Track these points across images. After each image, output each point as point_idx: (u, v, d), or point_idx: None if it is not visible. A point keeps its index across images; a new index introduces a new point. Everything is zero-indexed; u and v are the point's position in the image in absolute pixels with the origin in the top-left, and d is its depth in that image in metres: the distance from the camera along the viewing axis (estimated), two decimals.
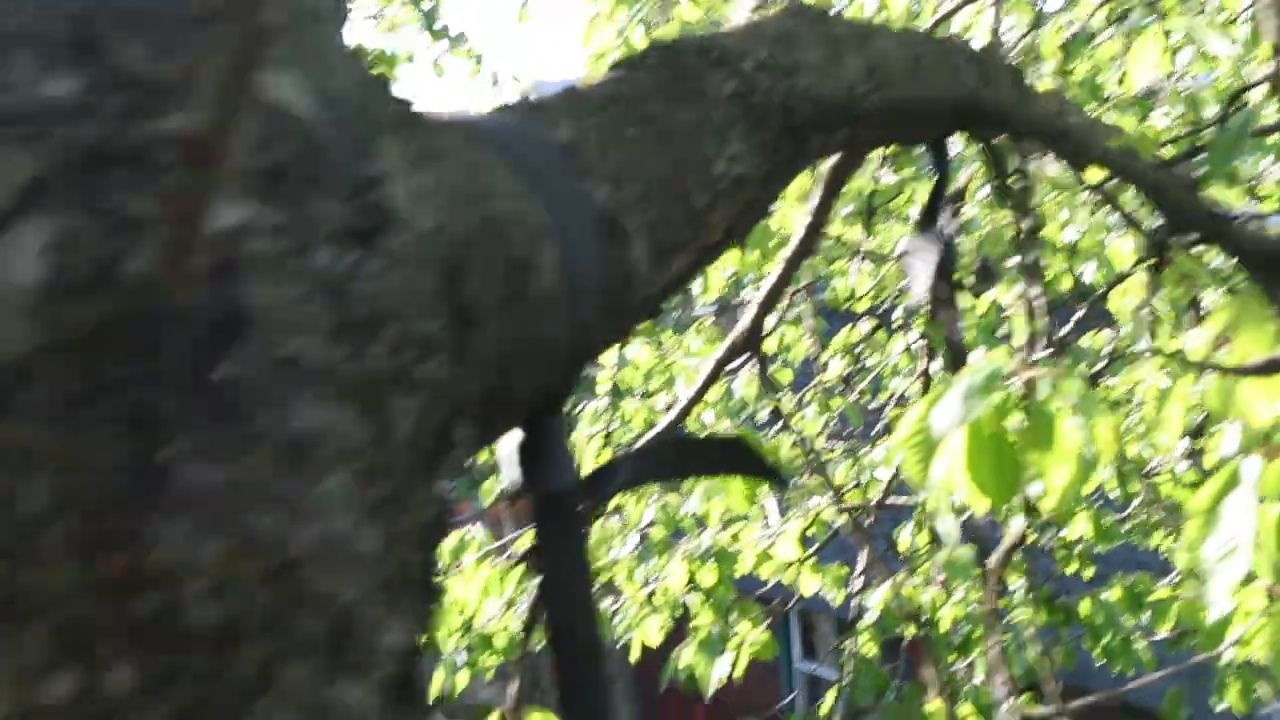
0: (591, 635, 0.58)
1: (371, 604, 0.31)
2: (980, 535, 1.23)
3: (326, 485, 0.31)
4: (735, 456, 0.65)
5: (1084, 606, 2.76)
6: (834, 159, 1.17)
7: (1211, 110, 2.18)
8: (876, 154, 2.20)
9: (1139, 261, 1.93)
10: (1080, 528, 2.71)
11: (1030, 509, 0.82)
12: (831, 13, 0.84)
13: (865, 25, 0.88)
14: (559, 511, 0.57)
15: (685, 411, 1.38)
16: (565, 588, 0.58)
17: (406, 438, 0.35)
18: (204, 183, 0.29)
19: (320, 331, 0.33)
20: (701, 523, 2.75)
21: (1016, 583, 2.32)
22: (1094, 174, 1.15)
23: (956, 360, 1.20)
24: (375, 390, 0.34)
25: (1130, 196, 1.95)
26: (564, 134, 0.56)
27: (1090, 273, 2.76)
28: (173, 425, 0.28)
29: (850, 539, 3.03)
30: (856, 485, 2.22)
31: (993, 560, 0.86)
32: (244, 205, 0.33)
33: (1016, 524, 0.90)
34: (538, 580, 0.59)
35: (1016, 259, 2.66)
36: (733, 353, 1.28)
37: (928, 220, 1.21)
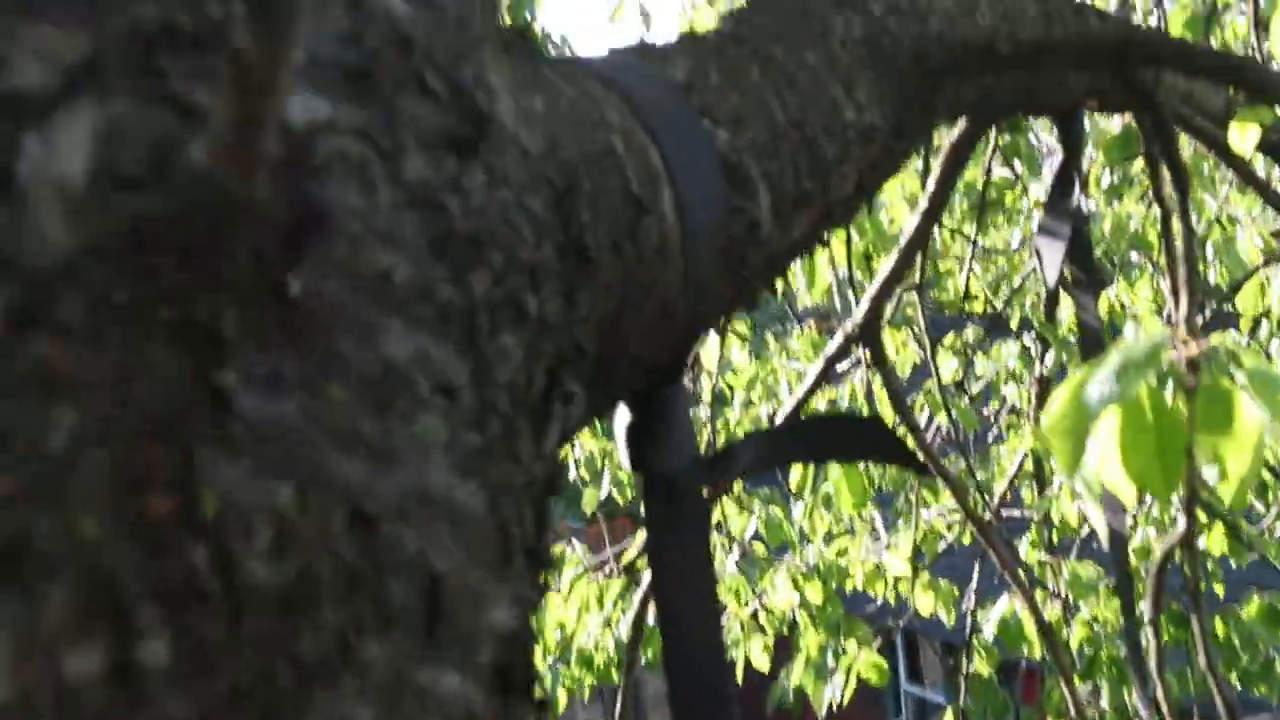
0: (712, 640, 0.52)
1: (472, 573, 0.25)
2: (1119, 539, 1.13)
3: (419, 427, 0.26)
4: (870, 438, 0.58)
5: (1218, 625, 2.58)
6: (956, 133, 1.09)
7: None
8: (988, 147, 2.10)
9: None
10: (1207, 541, 2.54)
11: (1194, 505, 0.73)
12: None
13: None
14: (674, 495, 0.51)
15: (796, 410, 1.31)
16: (681, 583, 0.52)
17: (511, 380, 0.29)
18: (275, 61, 0.24)
19: (414, 247, 0.27)
20: (806, 537, 2.65)
21: (1142, 598, 2.17)
22: (1239, 143, 1.05)
23: (1093, 346, 1.11)
24: (477, 320, 0.28)
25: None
26: (681, 72, 0.50)
27: (1211, 275, 2.60)
28: (235, 344, 0.23)
29: (956, 559, 2.89)
30: (977, 492, 2.11)
31: (1154, 559, 0.77)
32: (325, 100, 0.28)
33: (1178, 523, 0.80)
34: (649, 577, 0.52)
35: (1135, 254, 2.52)
36: (846, 346, 1.21)
37: (1057, 199, 1.13)
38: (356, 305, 0.25)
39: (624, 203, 0.41)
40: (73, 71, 0.25)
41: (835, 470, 1.81)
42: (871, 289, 1.18)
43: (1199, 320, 2.55)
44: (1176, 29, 1.96)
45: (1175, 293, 1.00)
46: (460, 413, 0.27)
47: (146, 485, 0.21)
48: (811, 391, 1.33)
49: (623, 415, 0.51)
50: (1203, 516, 2.31)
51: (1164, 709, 0.91)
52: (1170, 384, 0.71)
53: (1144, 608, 0.99)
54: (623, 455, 0.51)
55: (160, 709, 0.19)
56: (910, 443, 1.11)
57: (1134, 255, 2.40)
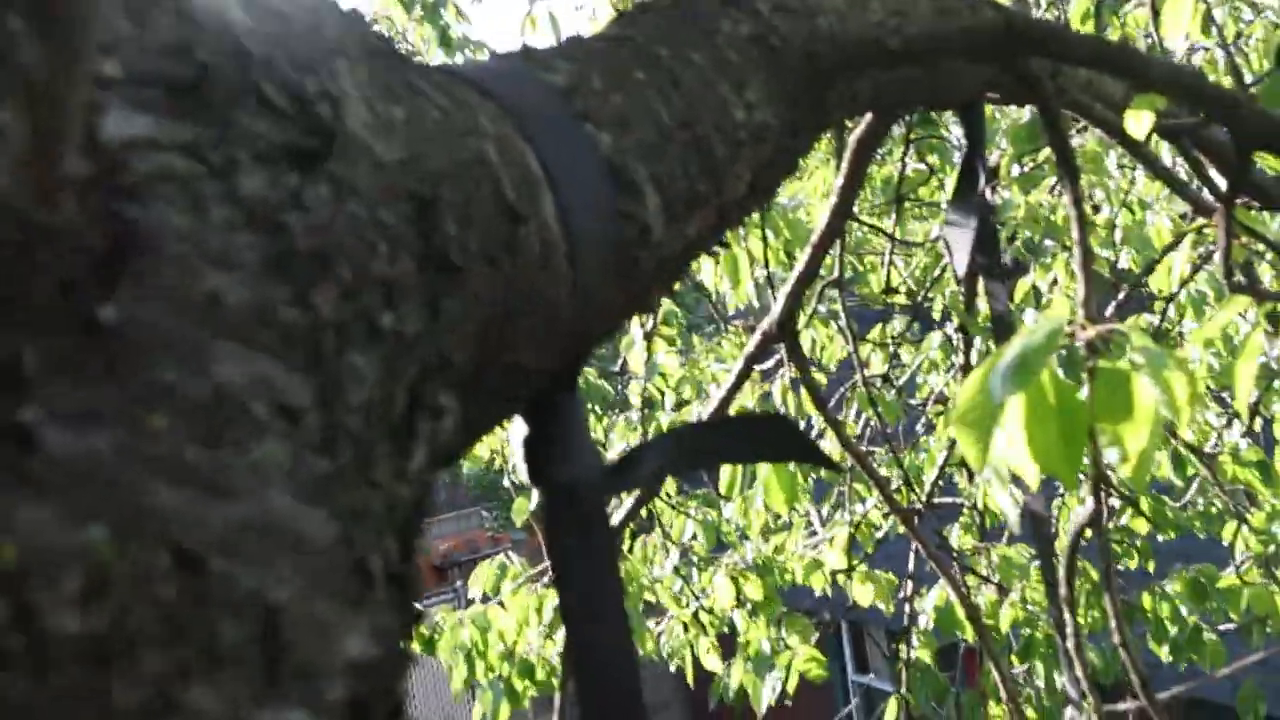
0: (621, 654, 0.51)
1: (319, 604, 0.24)
2: (1040, 521, 1.15)
3: (257, 454, 0.24)
4: (779, 438, 0.58)
5: (1145, 600, 2.64)
6: (860, 129, 1.10)
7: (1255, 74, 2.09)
8: (901, 140, 2.12)
9: (1194, 223, 1.84)
10: (1131, 518, 2.60)
11: (1101, 484, 0.74)
12: None
13: None
14: (574, 505, 0.50)
15: (719, 411, 1.30)
16: (586, 597, 0.51)
17: (366, 399, 0.28)
18: (66, 76, 0.22)
19: (250, 267, 0.26)
20: (744, 535, 2.66)
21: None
22: (1135, 129, 1.07)
23: (1004, 333, 1.13)
24: (323, 340, 0.27)
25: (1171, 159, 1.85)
26: (561, 77, 0.49)
27: (1124, 259, 2.67)
28: (38, 379, 0.21)
29: (895, 548, 2.92)
30: (904, 484, 2.13)
31: (1066, 539, 0.78)
32: (145, 115, 0.26)
33: (1086, 503, 0.82)
34: (555, 587, 0.51)
35: (1049, 242, 2.57)
36: (764, 345, 1.21)
37: (963, 190, 1.14)
38: (183, 331, 0.24)
39: (498, 212, 0.39)
40: None
41: (764, 468, 1.82)
42: (785, 287, 1.19)
43: (1112, 304, 2.60)
44: (1076, 21, 2.01)
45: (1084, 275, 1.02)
46: (304, 437, 0.26)
47: None
48: (734, 391, 1.33)
49: (518, 426, 0.50)
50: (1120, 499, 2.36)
51: (1083, 685, 0.92)
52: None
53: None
54: (520, 467, 0.50)
55: None
56: (831, 438, 1.11)
57: (1049, 242, 2.45)
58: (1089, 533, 0.81)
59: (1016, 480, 1.01)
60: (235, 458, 0.24)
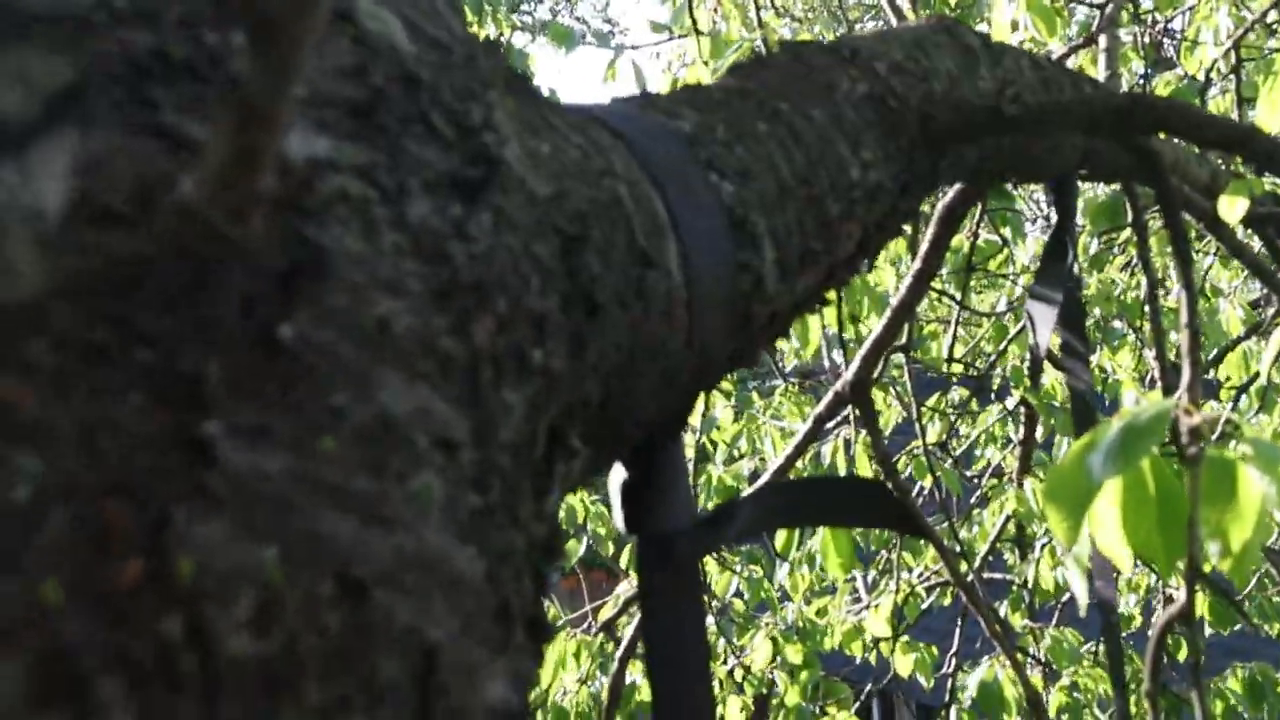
0: (702, 710, 0.50)
1: (469, 646, 0.23)
2: (1108, 608, 1.11)
3: (416, 486, 0.24)
4: (873, 501, 0.57)
5: None
6: (949, 197, 1.09)
7: None
8: (974, 211, 2.11)
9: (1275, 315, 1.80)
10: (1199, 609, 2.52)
11: (1196, 578, 0.72)
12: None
13: (993, 40, 0.80)
14: (670, 557, 0.49)
15: (783, 470, 1.29)
16: (675, 649, 0.49)
17: (514, 436, 0.28)
18: (276, 93, 0.22)
19: (416, 294, 0.26)
20: (786, 596, 2.62)
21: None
22: (1227, 214, 1.05)
23: (1084, 414, 1.10)
24: (480, 372, 0.27)
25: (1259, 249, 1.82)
26: (687, 124, 0.49)
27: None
28: (219, 394, 0.21)
29: (935, 621, 2.85)
30: (961, 554, 2.09)
31: (1155, 631, 0.75)
32: (326, 137, 0.26)
33: (1178, 595, 0.79)
34: (642, 640, 0.50)
35: (1118, 322, 2.53)
36: (835, 405, 1.20)
37: (1050, 264, 1.12)
38: (353, 355, 0.24)
39: (630, 255, 0.39)
40: (54, 99, 0.23)
41: (822, 530, 1.79)
42: (863, 349, 1.17)
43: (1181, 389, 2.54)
44: None
45: (1159, 360, 0.99)
46: (460, 472, 0.25)
47: (113, 547, 0.19)
48: (801, 450, 1.31)
49: (618, 473, 0.50)
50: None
51: None
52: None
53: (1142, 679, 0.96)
54: (617, 515, 0.49)
55: None
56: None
57: (1117, 323, 2.41)
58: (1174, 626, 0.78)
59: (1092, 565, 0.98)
60: (397, 488, 0.23)
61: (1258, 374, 2.38)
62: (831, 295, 1.63)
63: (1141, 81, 2.19)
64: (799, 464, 2.41)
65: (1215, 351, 2.52)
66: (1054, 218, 1.14)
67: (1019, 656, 2.40)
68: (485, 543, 0.25)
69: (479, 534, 0.25)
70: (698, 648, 0.50)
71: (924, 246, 1.15)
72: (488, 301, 0.28)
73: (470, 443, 0.26)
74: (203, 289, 0.22)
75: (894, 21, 1.69)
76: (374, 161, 0.27)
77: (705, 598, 2.50)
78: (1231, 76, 2.13)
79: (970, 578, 2.16)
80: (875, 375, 2.24)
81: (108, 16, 0.25)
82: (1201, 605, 2.54)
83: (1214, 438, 0.69)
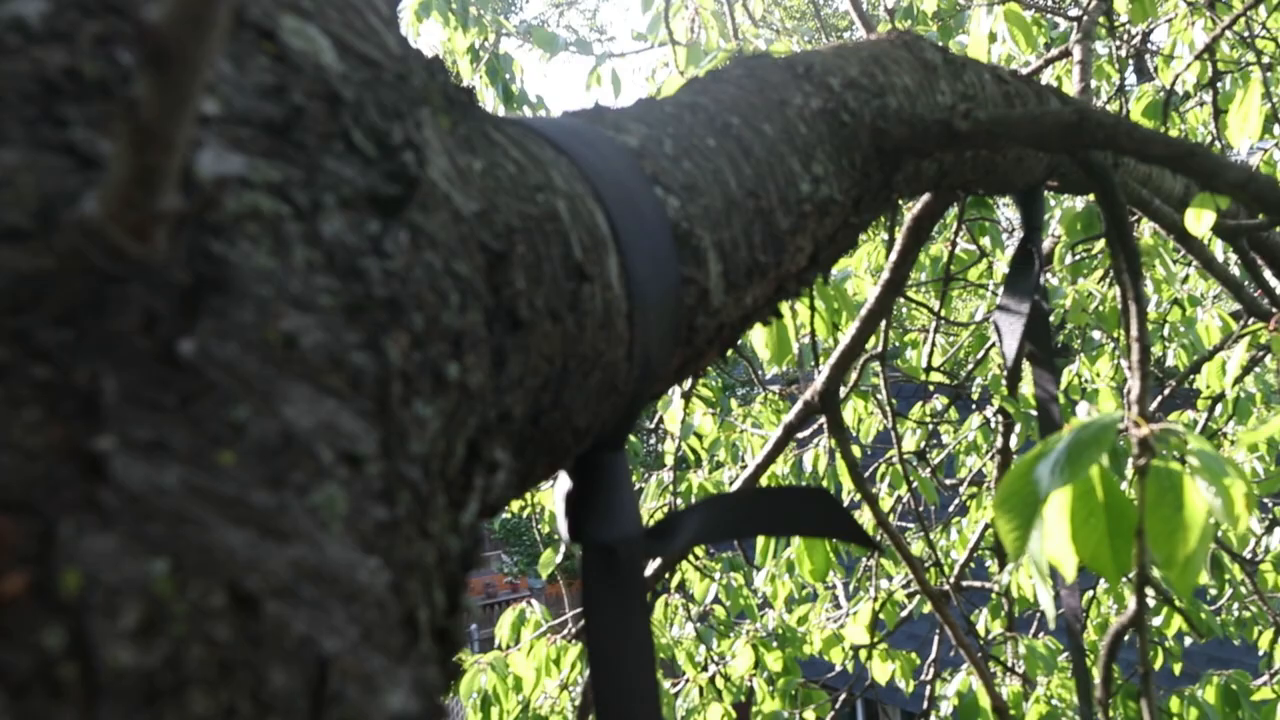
0: (648, 711, 0.50)
1: (367, 655, 0.24)
2: (1074, 617, 1.13)
3: (318, 499, 0.24)
4: (819, 512, 0.57)
5: (1174, 703, 2.57)
6: (917, 208, 1.10)
7: None
8: (952, 220, 2.12)
9: (1248, 325, 1.82)
10: (1165, 618, 2.54)
11: (1145, 585, 0.73)
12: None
13: (955, 55, 0.81)
14: (612, 565, 0.49)
15: (754, 478, 1.29)
16: (619, 658, 0.50)
17: (426, 450, 0.28)
18: (174, 113, 0.23)
19: (326, 310, 0.26)
20: (767, 603, 2.62)
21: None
22: (1195, 227, 1.07)
23: (1050, 423, 1.11)
24: (390, 388, 0.27)
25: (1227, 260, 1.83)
26: (633, 138, 0.50)
27: (1169, 356, 2.64)
28: (115, 408, 0.22)
29: (918, 627, 2.86)
30: (934, 564, 2.10)
31: (1105, 640, 0.76)
32: (240, 154, 0.27)
33: (1129, 604, 0.79)
34: (585, 647, 0.51)
35: (1096, 331, 2.54)
36: (805, 414, 1.20)
37: (1018, 275, 1.13)
38: (257, 370, 0.24)
39: (565, 269, 0.40)
40: None
41: (798, 538, 1.79)
42: (832, 358, 1.18)
43: (1157, 399, 2.56)
44: (1137, 115, 2.00)
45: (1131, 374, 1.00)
46: (366, 484, 0.26)
47: (1, 558, 0.19)
48: (771, 458, 1.32)
49: (563, 483, 0.50)
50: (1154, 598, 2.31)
51: None
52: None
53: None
54: (561, 524, 0.50)
55: None
56: (868, 512, 1.10)
57: (1096, 333, 2.42)
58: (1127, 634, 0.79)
59: (1054, 573, 0.98)
60: (297, 501, 0.24)
61: (1237, 381, 2.40)
62: (807, 303, 1.62)
63: (1118, 94, 2.21)
64: (782, 471, 2.42)
65: (1193, 360, 2.54)
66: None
67: (996, 666, 2.41)
68: (391, 554, 0.26)
69: (385, 546, 0.26)
70: (639, 656, 0.50)
71: (892, 256, 1.16)
72: (402, 317, 0.28)
73: (378, 456, 0.26)
74: (104, 305, 0.22)
75: (864, 34, 1.70)
76: (289, 178, 0.27)
77: (679, 600, 2.49)
78: (1209, 89, 2.15)
79: (946, 587, 2.17)
80: (854, 383, 2.25)
81: (21, 38, 0.25)
82: (1174, 617, 2.56)
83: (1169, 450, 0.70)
